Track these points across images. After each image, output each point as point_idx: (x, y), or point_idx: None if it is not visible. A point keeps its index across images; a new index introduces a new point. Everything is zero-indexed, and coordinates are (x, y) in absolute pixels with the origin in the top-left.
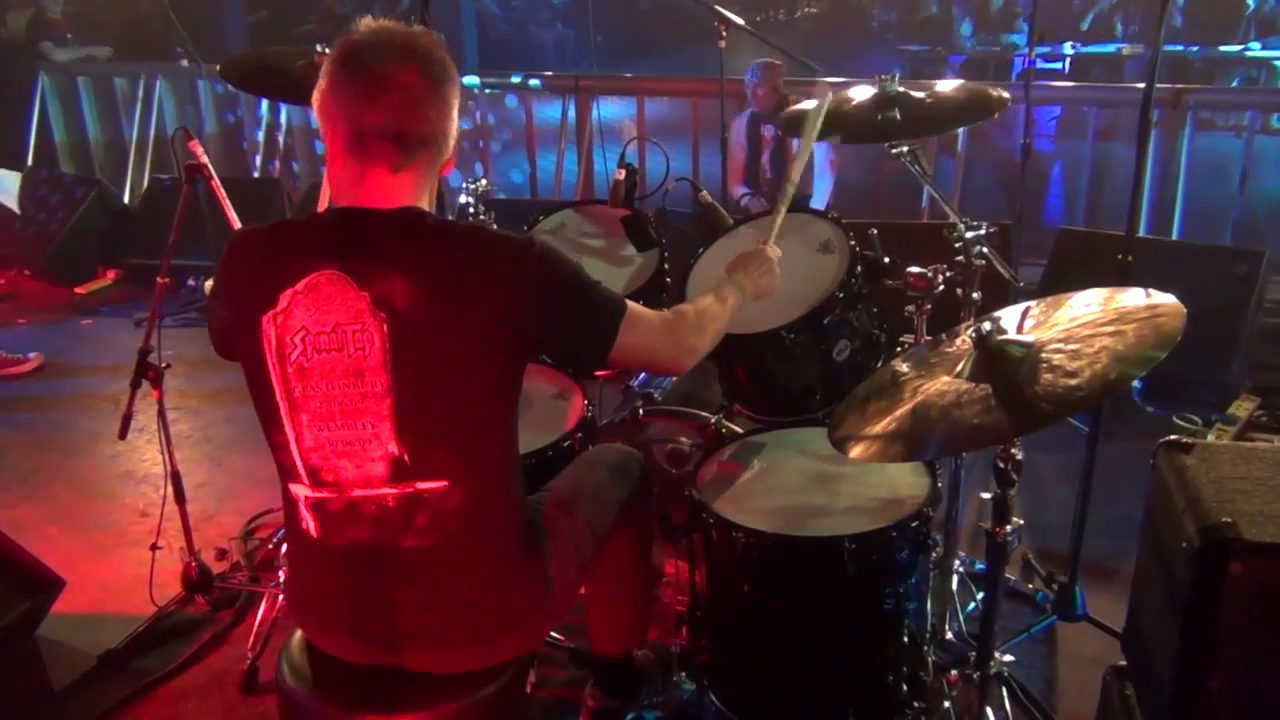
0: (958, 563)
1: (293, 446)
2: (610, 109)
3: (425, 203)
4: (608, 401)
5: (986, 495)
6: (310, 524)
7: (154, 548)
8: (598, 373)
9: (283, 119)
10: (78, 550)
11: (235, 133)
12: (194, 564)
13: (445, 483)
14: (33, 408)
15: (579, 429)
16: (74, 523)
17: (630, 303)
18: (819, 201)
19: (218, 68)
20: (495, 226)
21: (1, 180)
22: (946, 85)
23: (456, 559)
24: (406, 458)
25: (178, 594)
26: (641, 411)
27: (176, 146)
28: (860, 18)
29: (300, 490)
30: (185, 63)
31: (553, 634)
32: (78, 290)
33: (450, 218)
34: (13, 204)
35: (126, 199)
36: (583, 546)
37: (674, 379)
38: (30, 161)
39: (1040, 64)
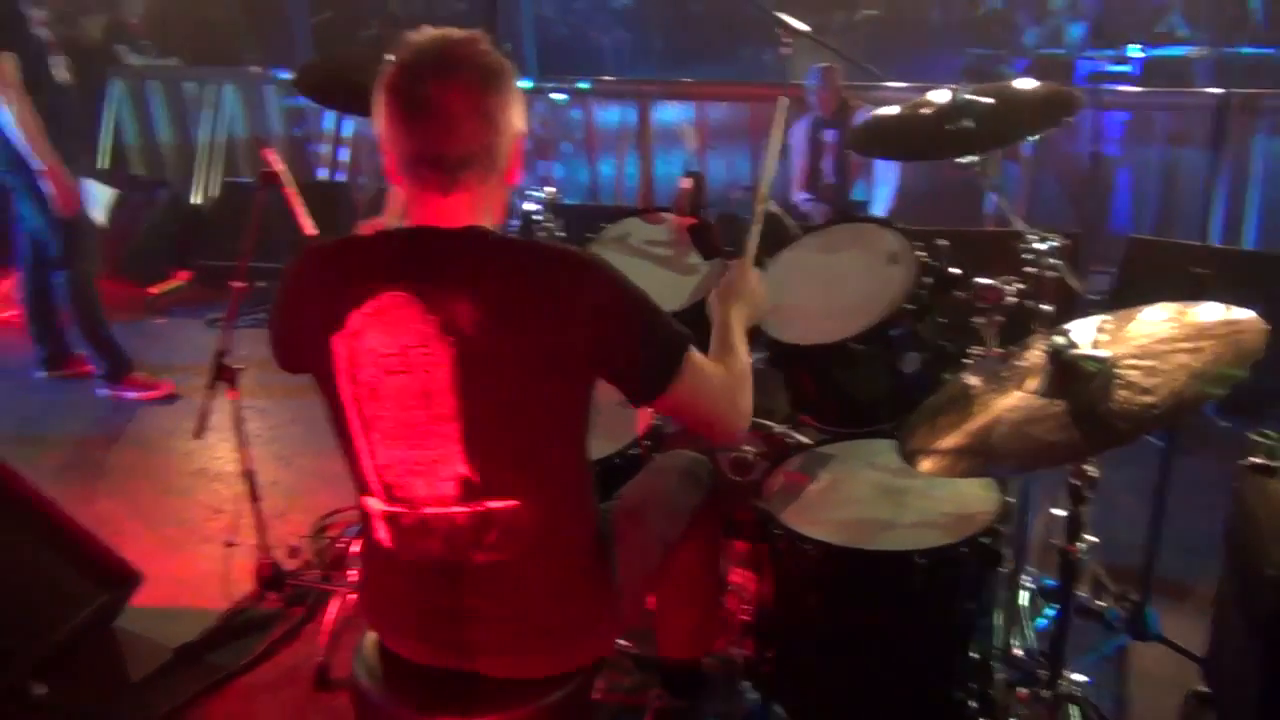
0: (1027, 578)
1: (366, 462)
2: (669, 113)
3: (488, 219)
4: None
5: (1058, 511)
6: (384, 535)
7: (228, 544)
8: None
9: (347, 129)
10: (154, 545)
11: (301, 136)
12: (267, 561)
13: (515, 502)
14: (110, 405)
15: (647, 436)
16: (150, 518)
17: (695, 352)
18: (879, 209)
19: (293, 79)
20: (563, 238)
21: (95, 194)
22: (1021, 83)
23: (527, 573)
24: (476, 478)
25: (251, 590)
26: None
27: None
28: (919, 19)
29: (374, 504)
30: (253, 69)
31: (622, 640)
32: (151, 291)
33: (515, 233)
34: (103, 218)
35: (199, 201)
36: (650, 554)
37: None
38: (102, 164)
39: (1107, 67)
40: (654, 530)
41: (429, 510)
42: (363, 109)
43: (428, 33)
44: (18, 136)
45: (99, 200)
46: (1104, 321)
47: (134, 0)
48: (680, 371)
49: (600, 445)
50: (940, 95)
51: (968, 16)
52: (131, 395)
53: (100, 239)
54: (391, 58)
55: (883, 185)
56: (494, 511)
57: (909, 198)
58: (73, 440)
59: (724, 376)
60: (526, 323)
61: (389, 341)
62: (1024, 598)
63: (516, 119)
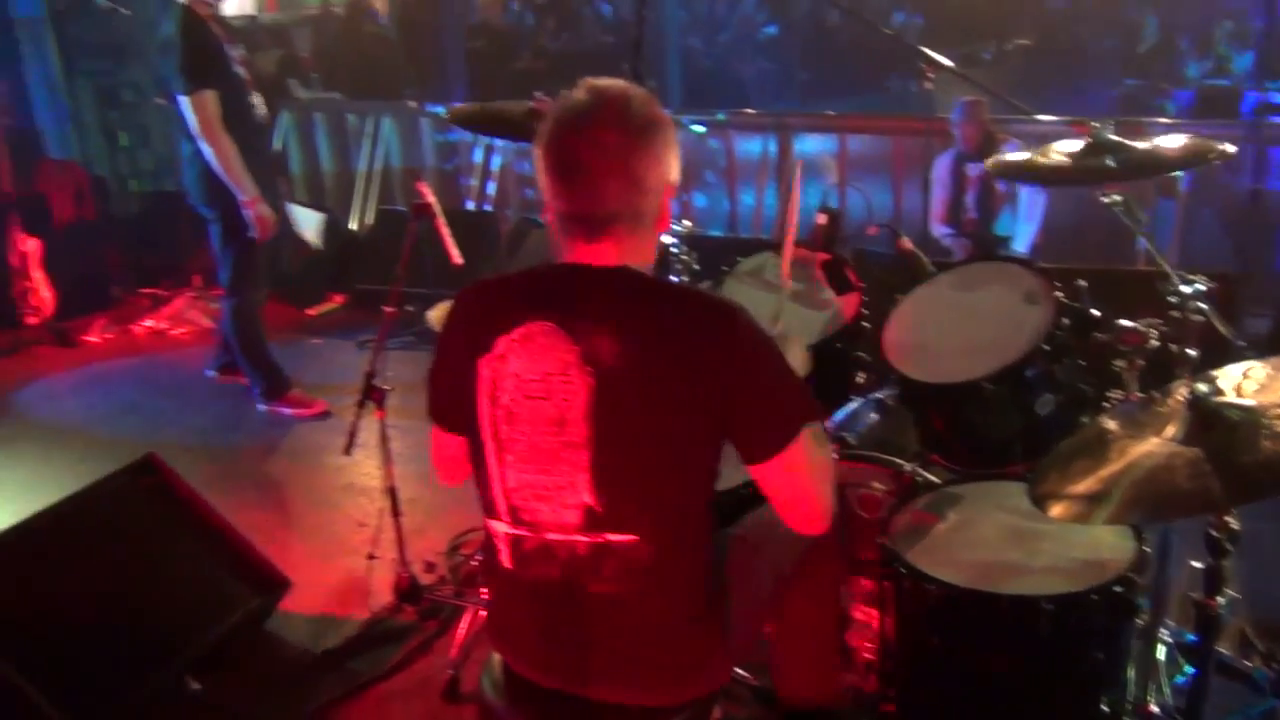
0: (1166, 632)
1: (496, 484)
2: (811, 144)
3: (639, 262)
4: None
5: (1198, 564)
6: (506, 557)
7: (370, 557)
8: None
9: (495, 163)
10: (303, 554)
11: (453, 167)
12: (405, 575)
13: (635, 538)
14: (269, 420)
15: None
16: (300, 528)
17: (814, 426)
18: (1022, 244)
19: (447, 114)
20: (698, 271)
21: (306, 218)
22: (1165, 140)
23: (640, 607)
24: (599, 508)
25: (389, 602)
26: (836, 454)
27: (405, 184)
28: (1075, 49)
29: (499, 526)
30: (411, 103)
31: (739, 670)
32: (309, 312)
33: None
34: (316, 240)
35: (355, 227)
36: (764, 585)
37: (871, 423)
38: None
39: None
40: (770, 562)
41: (551, 536)
42: (507, 136)
43: (582, 89)
44: (218, 170)
45: (309, 224)
46: (1256, 368)
47: (304, 37)
48: (795, 440)
49: (730, 475)
50: (1072, 145)
51: (1126, 46)
52: (288, 412)
53: (322, 259)
54: (542, 95)
55: (1027, 221)
56: (613, 544)
57: (1054, 233)
58: (233, 452)
59: (832, 463)
60: (664, 363)
61: (532, 367)
62: (1161, 652)
63: (667, 172)
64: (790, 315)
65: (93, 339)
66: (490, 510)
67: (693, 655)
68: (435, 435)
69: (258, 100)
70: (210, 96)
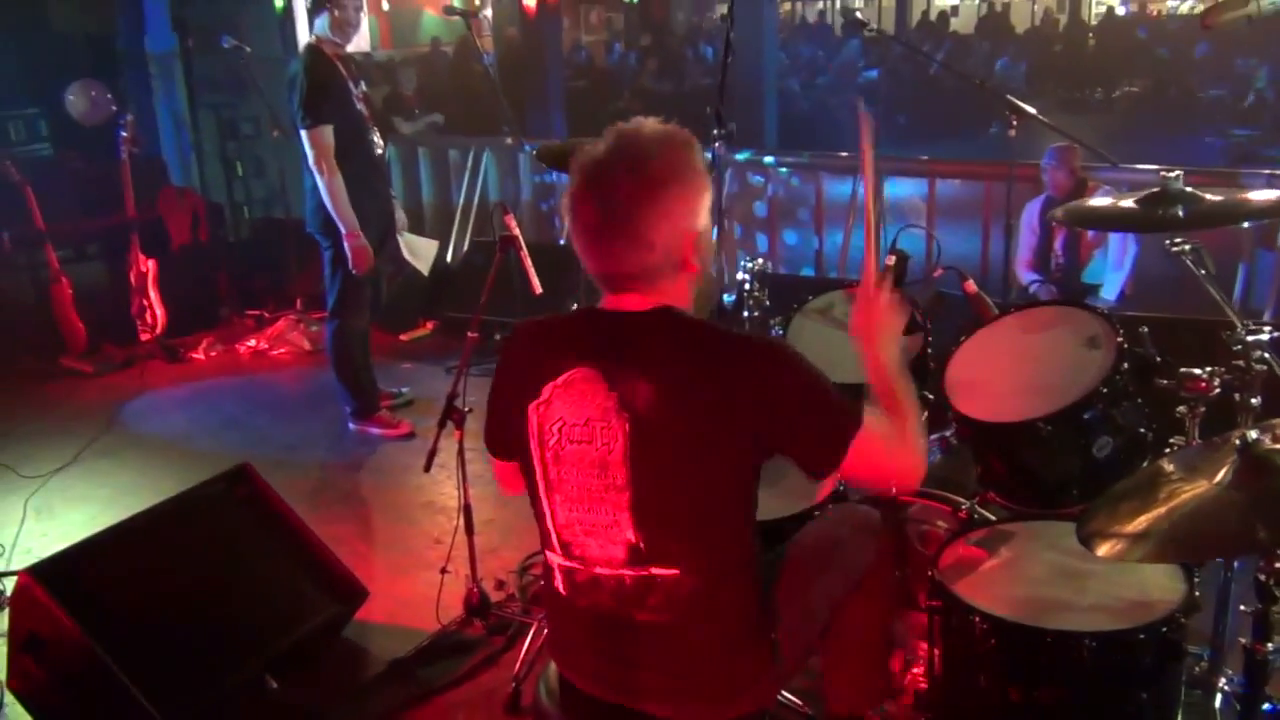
0: (1223, 680)
1: (549, 520)
2: (903, 188)
3: (674, 301)
4: None
5: (1245, 608)
6: (561, 585)
7: (443, 571)
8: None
9: None
10: (380, 567)
11: (547, 202)
12: (476, 590)
13: (677, 571)
14: (357, 439)
15: (830, 501)
16: (380, 542)
17: (867, 418)
18: (1110, 292)
19: (534, 152)
20: (769, 307)
21: (419, 247)
22: (1246, 193)
23: (686, 635)
24: (642, 546)
25: (459, 615)
26: (895, 490)
27: (495, 218)
28: (1185, 97)
29: (554, 558)
30: (509, 140)
31: (790, 697)
32: (401, 337)
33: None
34: (425, 269)
35: (449, 257)
36: (815, 609)
37: (935, 461)
38: None
39: None
40: (819, 587)
41: (599, 570)
42: None
43: (607, 136)
44: (327, 202)
45: (422, 253)
46: None
47: (410, 75)
48: (850, 445)
49: (783, 505)
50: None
51: (1237, 96)
52: (375, 432)
53: (417, 286)
54: (575, 159)
55: (1116, 269)
56: (657, 577)
57: (1145, 283)
58: (322, 467)
59: (891, 431)
60: (697, 405)
61: (575, 412)
62: (1219, 700)
63: (681, 223)
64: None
65: (199, 356)
66: (546, 542)
67: (740, 677)
68: (493, 458)
69: (376, 137)
70: (326, 132)
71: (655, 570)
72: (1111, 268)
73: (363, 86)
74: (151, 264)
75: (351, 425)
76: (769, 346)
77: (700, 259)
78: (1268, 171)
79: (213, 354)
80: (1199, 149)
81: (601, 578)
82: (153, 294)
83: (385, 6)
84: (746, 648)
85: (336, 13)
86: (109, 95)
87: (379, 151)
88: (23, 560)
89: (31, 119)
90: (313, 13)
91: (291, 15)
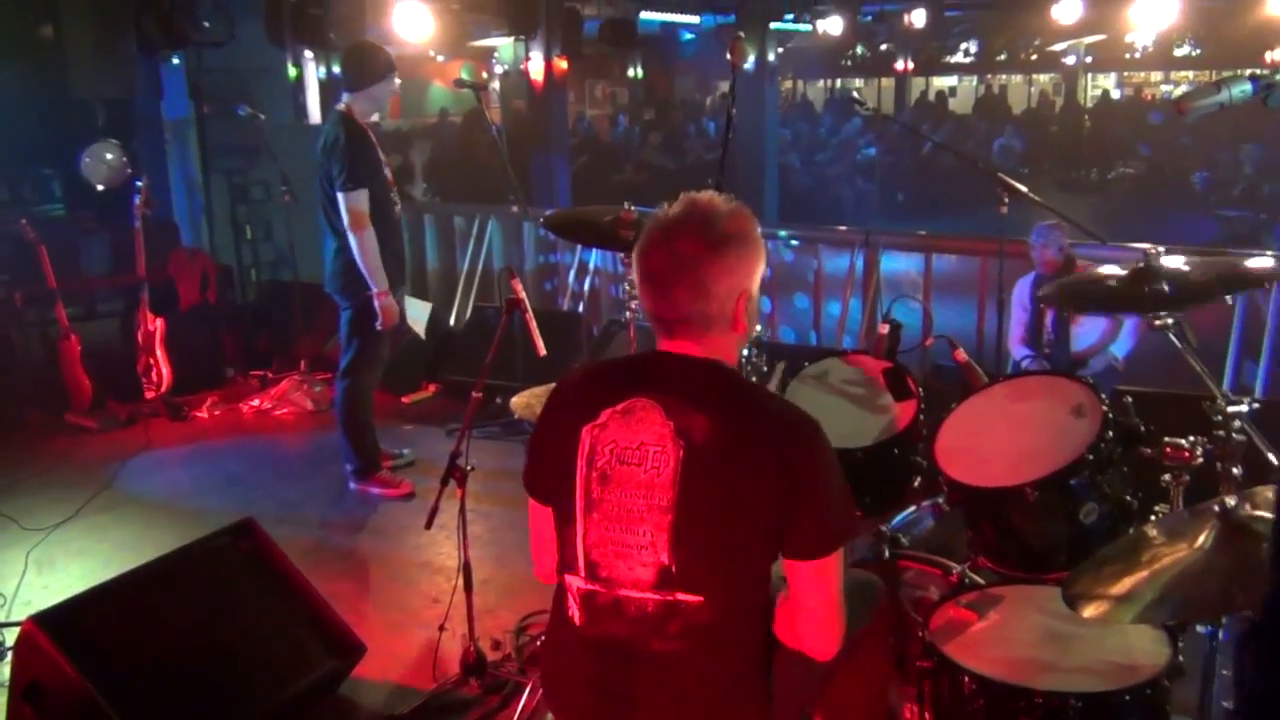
0: None
1: (579, 541)
2: (899, 262)
3: (724, 357)
4: (858, 544)
5: (1228, 673)
6: (574, 612)
7: (440, 629)
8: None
9: (591, 264)
10: (378, 624)
11: (550, 269)
12: (472, 650)
13: (701, 599)
14: (357, 498)
15: None
16: (378, 600)
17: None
18: (1103, 363)
19: (541, 219)
20: (766, 372)
21: (414, 308)
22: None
23: (693, 665)
24: (674, 568)
25: (455, 674)
26: (888, 554)
27: (501, 282)
28: (1180, 179)
29: (575, 581)
30: (514, 208)
31: None
32: (403, 399)
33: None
34: (420, 331)
35: (452, 322)
36: (812, 676)
37: (928, 527)
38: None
39: None
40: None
41: (623, 592)
42: (595, 243)
43: (679, 203)
44: (360, 261)
45: (418, 313)
46: None
47: (425, 146)
48: (837, 550)
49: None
50: (1119, 270)
51: (1229, 178)
52: (376, 492)
53: (420, 349)
54: (631, 207)
55: (1118, 343)
56: (680, 603)
57: (1139, 358)
58: (323, 525)
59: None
60: (747, 447)
61: (630, 436)
62: None
63: (740, 281)
64: (853, 418)
65: (202, 414)
66: (569, 566)
67: (737, 716)
68: (532, 511)
69: (397, 200)
70: (364, 196)
71: (681, 595)
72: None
73: (385, 154)
74: (160, 323)
75: (352, 485)
76: (811, 426)
77: (749, 320)
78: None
79: (216, 413)
80: (1192, 229)
81: (624, 601)
82: (159, 353)
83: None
84: (747, 697)
85: (376, 92)
86: (124, 159)
87: (398, 215)
88: (23, 611)
89: (46, 180)
90: (348, 86)
91: (303, 84)
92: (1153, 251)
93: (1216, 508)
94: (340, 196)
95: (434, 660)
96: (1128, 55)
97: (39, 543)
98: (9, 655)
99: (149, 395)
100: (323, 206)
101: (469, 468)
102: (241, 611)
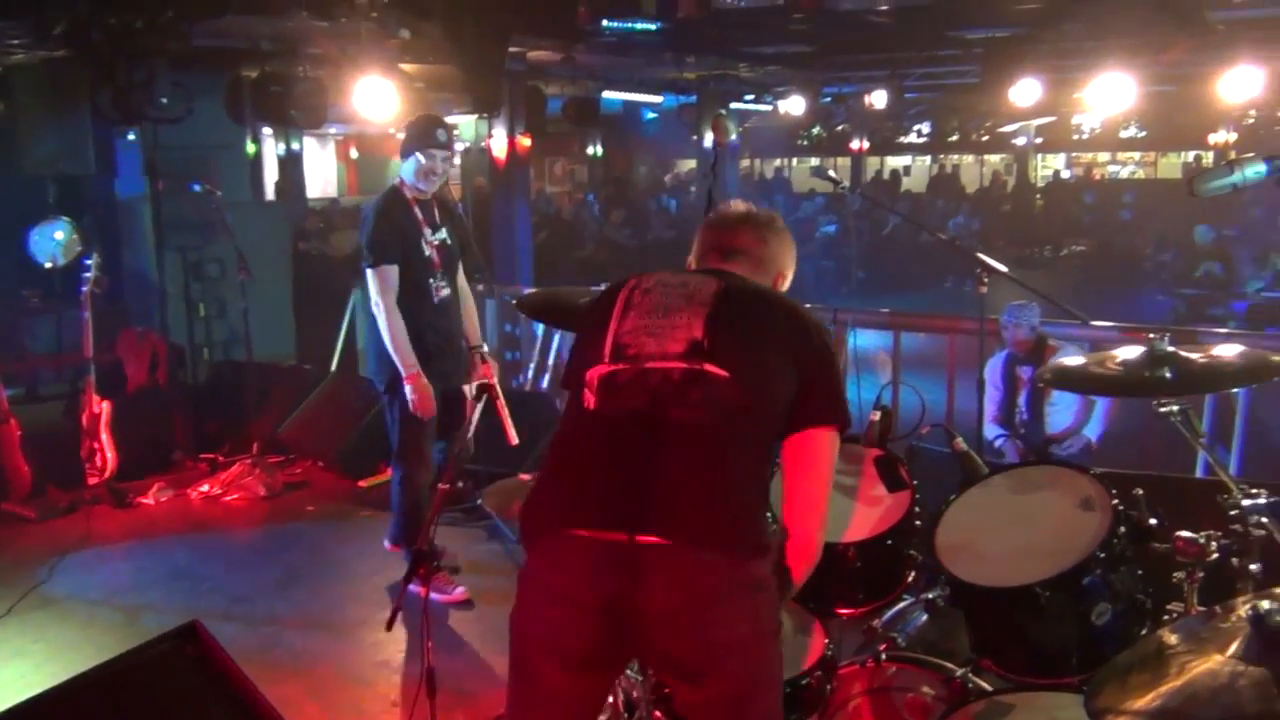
0: None
1: (608, 336)
2: (866, 340)
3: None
4: (848, 642)
5: None
6: (590, 398)
7: None
8: (840, 610)
9: (554, 344)
10: None
11: (513, 340)
12: None
13: (728, 374)
14: (309, 590)
15: (818, 667)
16: (329, 703)
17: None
18: (1077, 447)
19: (514, 302)
20: None
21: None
22: (1224, 349)
23: (714, 440)
24: (706, 343)
25: None
26: (884, 655)
27: (469, 362)
28: (1132, 257)
29: (596, 371)
30: (480, 287)
31: None
32: (360, 484)
33: None
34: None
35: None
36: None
37: (921, 624)
38: (335, 364)
39: None
40: None
41: (649, 364)
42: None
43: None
44: (386, 341)
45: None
46: None
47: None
48: (833, 425)
49: None
50: (1131, 352)
51: (1186, 256)
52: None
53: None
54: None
55: (1090, 425)
56: (708, 373)
57: (1112, 438)
58: (274, 622)
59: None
60: (779, 312)
61: (674, 279)
62: None
63: (784, 257)
64: (846, 510)
65: (148, 501)
66: (590, 362)
67: (743, 526)
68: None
69: (442, 282)
70: (390, 271)
71: (709, 367)
72: (1090, 424)
73: (440, 235)
74: (106, 405)
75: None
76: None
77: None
78: (1224, 330)
79: (163, 499)
80: (1149, 306)
81: (649, 371)
82: (104, 436)
83: (354, 154)
84: (755, 489)
85: (424, 160)
86: (75, 236)
87: (439, 298)
88: None
89: None
90: (401, 155)
91: (260, 161)
92: (1155, 338)
93: (1246, 612)
94: (367, 272)
95: None
96: (1075, 136)
97: None
98: None
99: (92, 481)
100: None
101: (435, 565)
102: None
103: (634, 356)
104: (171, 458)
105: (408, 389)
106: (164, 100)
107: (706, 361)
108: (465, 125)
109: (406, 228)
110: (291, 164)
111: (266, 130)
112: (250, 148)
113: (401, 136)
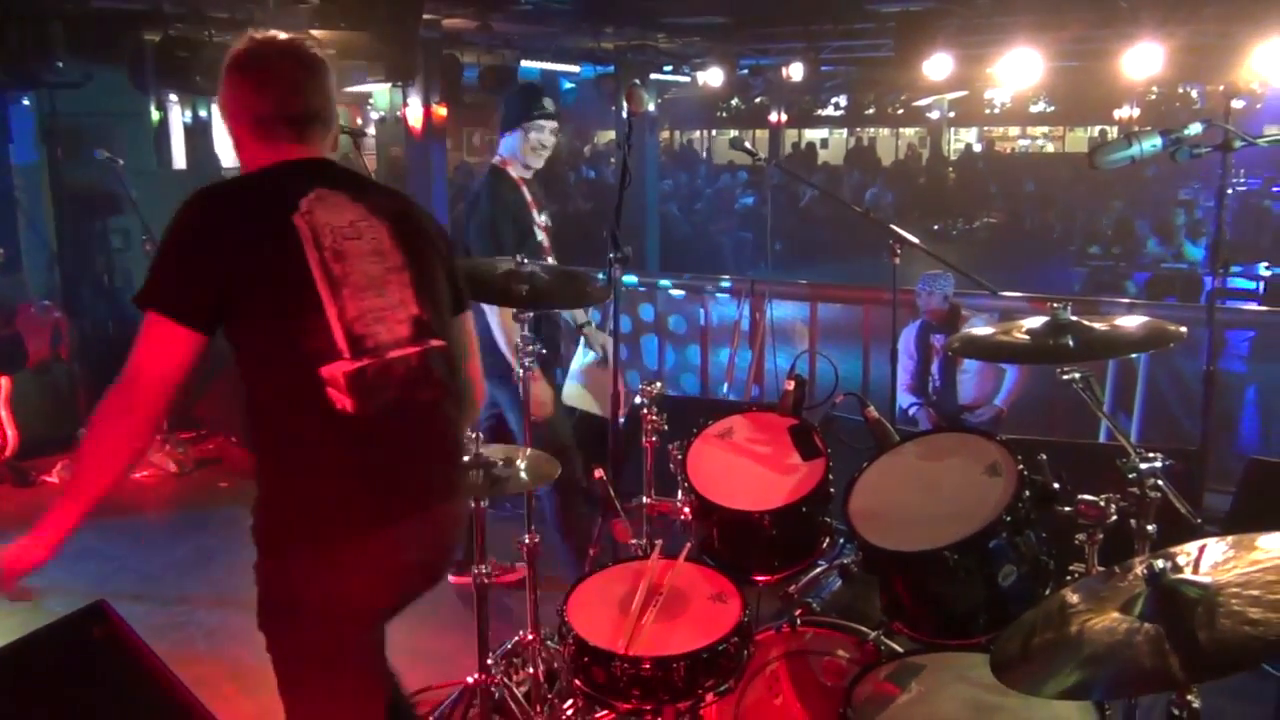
0: None
1: (334, 324)
2: (783, 310)
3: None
4: (765, 608)
5: None
6: (347, 400)
7: None
8: (757, 577)
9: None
10: (251, 711)
11: None
12: None
13: (443, 342)
14: (224, 567)
15: (735, 633)
16: (249, 683)
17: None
18: (988, 414)
19: None
20: (667, 431)
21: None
22: (1125, 320)
23: (450, 411)
24: (425, 317)
25: None
26: (800, 621)
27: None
28: (1041, 228)
29: (338, 368)
30: None
31: None
32: None
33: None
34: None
35: None
36: None
37: (835, 588)
38: None
39: (1232, 284)
40: None
41: (392, 354)
42: (489, 301)
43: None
44: (498, 337)
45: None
46: (1214, 546)
47: None
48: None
49: (686, 639)
50: (1035, 321)
51: (1091, 228)
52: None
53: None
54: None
55: (992, 397)
56: (435, 349)
57: (1020, 406)
58: (185, 600)
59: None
60: (417, 222)
61: (338, 217)
62: None
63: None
64: (760, 478)
65: (52, 479)
66: (325, 356)
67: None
68: (172, 335)
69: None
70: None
71: (433, 342)
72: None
73: (545, 217)
74: (5, 381)
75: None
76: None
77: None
78: (1126, 300)
79: (67, 477)
80: (1057, 276)
81: (394, 362)
82: (3, 413)
83: None
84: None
85: (532, 134)
86: None
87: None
88: None
89: None
90: (503, 129)
91: (166, 129)
92: (1057, 308)
93: (1142, 571)
94: None
95: None
96: (987, 111)
97: None
98: None
99: None
100: None
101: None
102: (97, 709)
103: (374, 349)
104: (75, 435)
105: (521, 389)
106: (59, 64)
107: (431, 337)
108: (380, 94)
109: (518, 212)
110: (199, 132)
111: (173, 98)
112: (155, 115)
113: (502, 110)
